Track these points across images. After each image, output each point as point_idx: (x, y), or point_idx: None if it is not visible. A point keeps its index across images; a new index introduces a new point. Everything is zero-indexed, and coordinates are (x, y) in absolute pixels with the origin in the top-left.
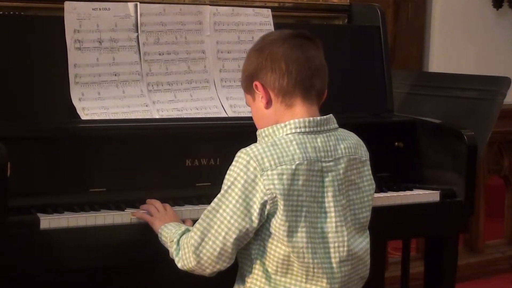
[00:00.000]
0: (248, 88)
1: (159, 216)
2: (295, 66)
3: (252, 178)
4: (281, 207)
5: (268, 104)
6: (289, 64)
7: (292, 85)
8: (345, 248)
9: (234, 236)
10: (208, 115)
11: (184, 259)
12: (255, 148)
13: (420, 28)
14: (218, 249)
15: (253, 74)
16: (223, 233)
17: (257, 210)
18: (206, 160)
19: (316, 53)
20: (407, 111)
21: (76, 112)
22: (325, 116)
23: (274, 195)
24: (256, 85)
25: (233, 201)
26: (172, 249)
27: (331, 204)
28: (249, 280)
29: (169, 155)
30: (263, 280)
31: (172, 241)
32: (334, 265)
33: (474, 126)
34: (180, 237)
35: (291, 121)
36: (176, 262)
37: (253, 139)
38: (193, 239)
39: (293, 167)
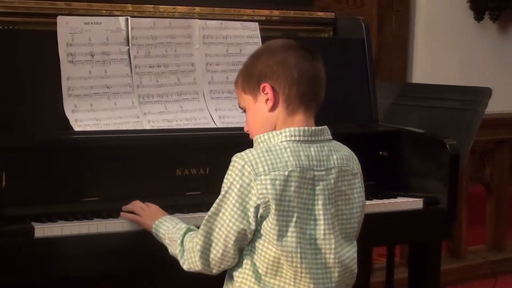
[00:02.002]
0: (251, 89)
1: (146, 215)
2: (306, 78)
3: (247, 182)
4: (273, 211)
5: (274, 107)
6: (301, 75)
7: (300, 95)
8: (332, 255)
9: (233, 238)
10: (197, 126)
11: (190, 262)
12: (250, 153)
13: (403, 40)
14: (220, 250)
15: (262, 75)
16: (223, 236)
17: (253, 213)
18: (196, 170)
19: (322, 67)
20: (392, 121)
21: (69, 124)
22: (320, 127)
23: (267, 199)
24: (265, 87)
25: (231, 205)
26: (176, 250)
27: (321, 212)
28: (239, 280)
29: (160, 165)
30: (253, 280)
31: (175, 241)
32: (321, 270)
33: (457, 135)
34: (183, 237)
35: (287, 129)
36: (181, 263)
37: (242, 149)
38: (198, 244)
39: (286, 173)
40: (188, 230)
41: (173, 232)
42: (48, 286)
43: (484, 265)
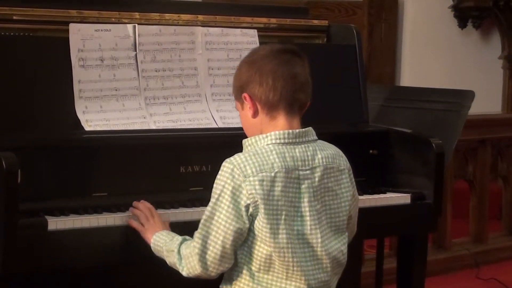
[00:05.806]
0: (237, 96)
1: (149, 226)
2: (281, 82)
3: (238, 184)
4: (262, 210)
5: (255, 114)
6: (276, 80)
7: (277, 100)
8: (319, 248)
9: (231, 238)
10: (200, 126)
11: (189, 268)
12: (238, 157)
13: (392, 46)
14: (219, 252)
15: (243, 85)
16: (221, 238)
17: (244, 212)
18: (198, 167)
19: (302, 69)
20: (381, 121)
21: (81, 124)
22: (304, 129)
23: (256, 199)
24: (245, 97)
25: (225, 207)
26: (174, 259)
27: (307, 208)
28: (234, 277)
29: (165, 163)
30: (247, 277)
31: (173, 251)
32: (311, 263)
33: (442, 135)
34: (179, 247)
35: (272, 133)
36: (180, 270)
37: (241, 148)
38: (196, 248)
39: (273, 174)
40: (184, 239)
41: (170, 244)
42: (59, 276)
43: (467, 256)
